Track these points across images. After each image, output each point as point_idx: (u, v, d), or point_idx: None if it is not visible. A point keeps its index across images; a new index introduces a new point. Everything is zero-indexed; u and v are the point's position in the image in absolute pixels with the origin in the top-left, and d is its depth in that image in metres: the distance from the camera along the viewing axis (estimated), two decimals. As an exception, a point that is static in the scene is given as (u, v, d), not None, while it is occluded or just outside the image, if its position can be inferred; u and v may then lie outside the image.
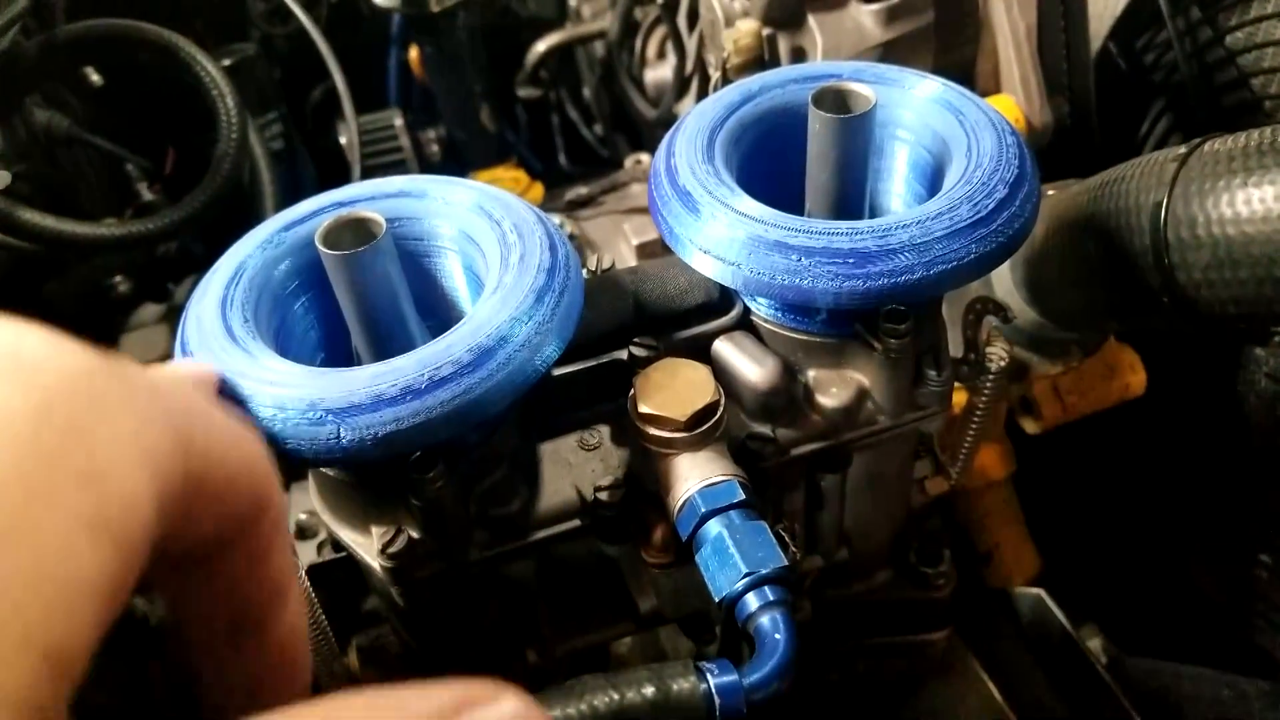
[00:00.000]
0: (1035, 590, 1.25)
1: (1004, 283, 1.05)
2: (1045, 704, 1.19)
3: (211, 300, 0.68)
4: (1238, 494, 1.33)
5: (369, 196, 0.76)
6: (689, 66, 1.52)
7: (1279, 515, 1.30)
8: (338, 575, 0.84)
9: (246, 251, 0.72)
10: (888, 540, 0.97)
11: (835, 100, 0.75)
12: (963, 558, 1.05)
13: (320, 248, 0.67)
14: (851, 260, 0.67)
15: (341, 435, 0.60)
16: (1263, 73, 1.30)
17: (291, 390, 0.61)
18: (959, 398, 1.02)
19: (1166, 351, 1.27)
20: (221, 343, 0.65)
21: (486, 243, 0.72)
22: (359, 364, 0.69)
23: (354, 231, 0.69)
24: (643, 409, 0.70)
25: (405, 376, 0.61)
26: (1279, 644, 1.27)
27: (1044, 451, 1.32)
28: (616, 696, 0.56)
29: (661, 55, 1.73)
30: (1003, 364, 0.96)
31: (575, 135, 2.09)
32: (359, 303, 0.69)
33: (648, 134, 1.74)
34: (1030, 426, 1.22)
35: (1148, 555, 1.46)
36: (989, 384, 0.98)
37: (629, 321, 0.79)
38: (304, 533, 0.91)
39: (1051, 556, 1.39)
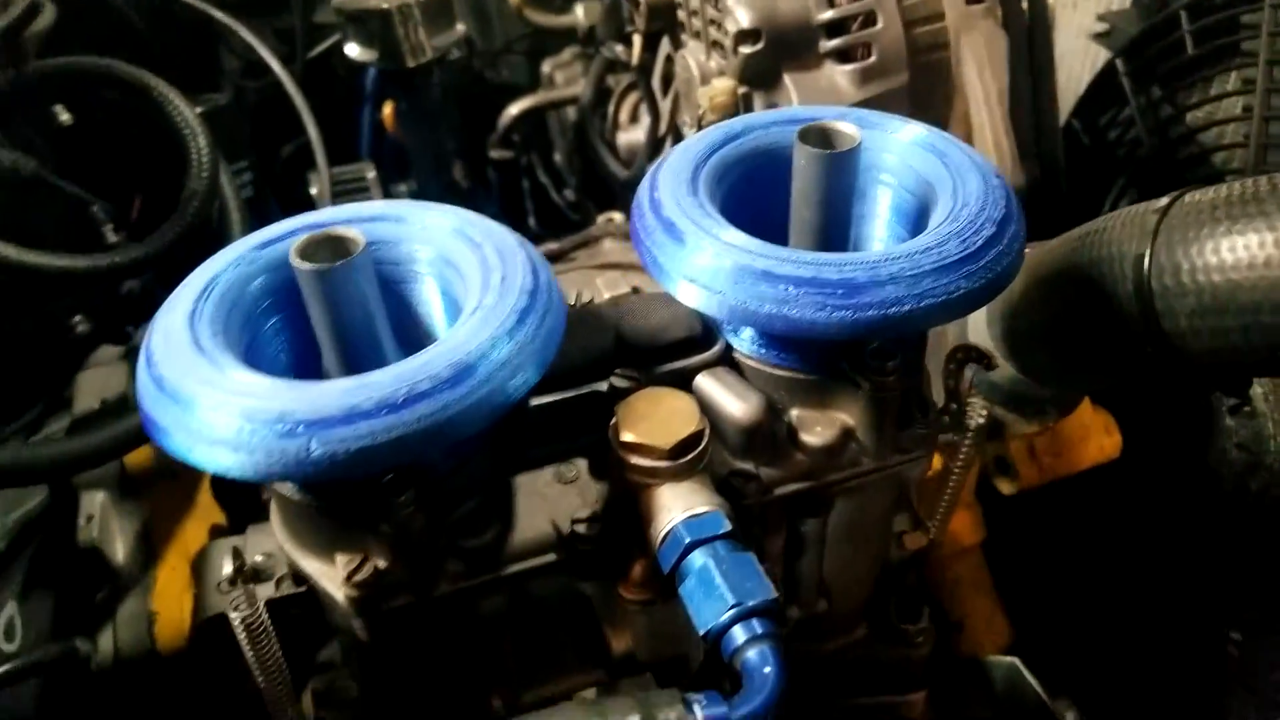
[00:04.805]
0: (1009, 659, 1.23)
1: (981, 338, 1.04)
2: (1018, 775, 1.16)
3: (180, 313, 0.66)
4: (1210, 565, 1.33)
5: (347, 219, 0.74)
6: (663, 128, 1.53)
7: (1249, 589, 1.30)
8: (296, 612, 0.80)
9: (218, 268, 0.70)
10: (866, 594, 0.94)
11: (820, 138, 0.75)
12: (934, 621, 1.03)
13: (295, 262, 0.65)
14: (840, 291, 0.66)
15: (312, 449, 0.57)
16: (1223, 148, 1.33)
17: (260, 401, 0.59)
18: (935, 460, 1.01)
19: (1140, 417, 1.27)
20: (188, 353, 0.62)
21: (466, 266, 0.70)
22: (331, 385, 0.66)
23: (331, 249, 0.67)
24: (625, 437, 0.69)
25: (382, 390, 0.58)
26: (1250, 720, 1.26)
27: (1014, 519, 1.31)
28: (599, 725, 0.53)
29: (634, 119, 1.75)
30: (982, 418, 0.95)
31: (545, 199, 2.10)
32: (333, 321, 0.67)
33: (620, 195, 1.75)
34: (1005, 487, 1.21)
35: (1118, 629, 1.44)
36: (967, 439, 0.97)
37: (609, 354, 0.77)
38: (259, 575, 0.87)
39: (1022, 626, 1.37)
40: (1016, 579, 1.37)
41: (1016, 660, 1.21)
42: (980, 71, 1.23)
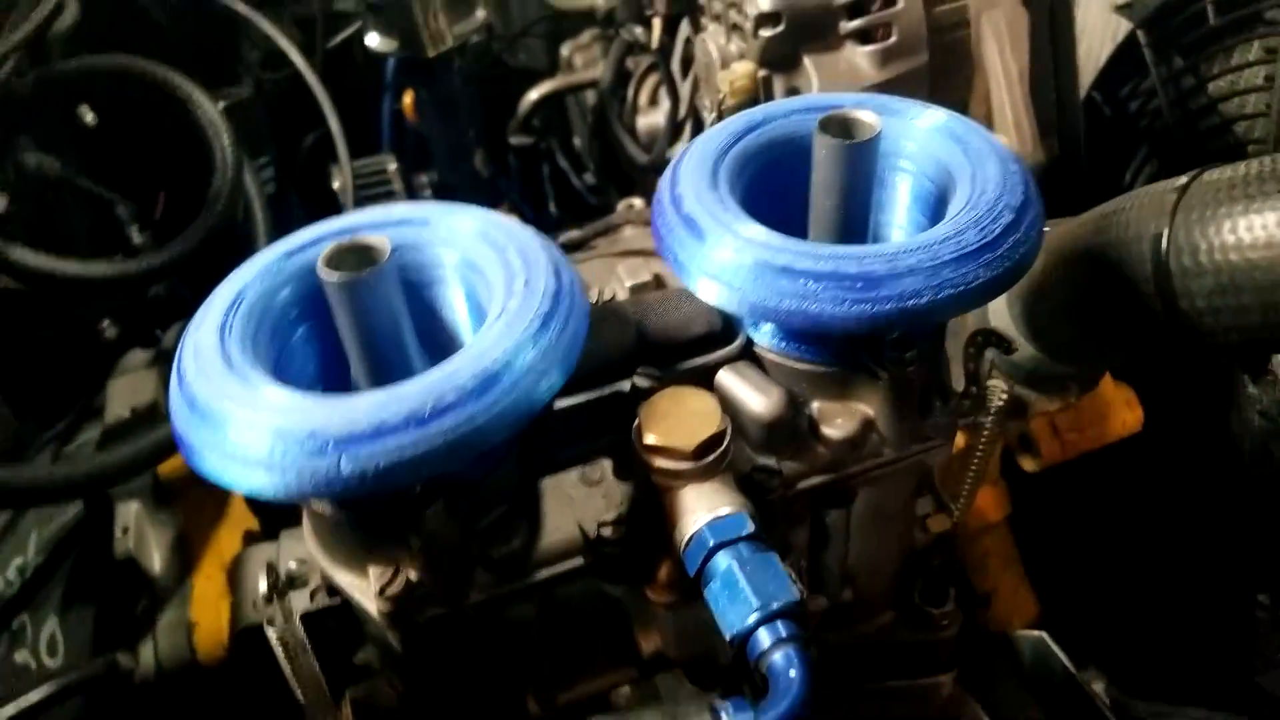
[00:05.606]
0: (1037, 632, 1.23)
1: (1001, 318, 1.04)
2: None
3: (210, 327, 0.66)
4: (1235, 533, 1.32)
5: (371, 224, 0.74)
6: (682, 111, 1.53)
7: (1274, 556, 1.30)
8: (331, 624, 0.80)
9: (246, 279, 0.71)
10: (891, 580, 0.95)
11: (841, 127, 0.75)
12: (961, 601, 1.03)
13: (323, 273, 0.65)
14: (860, 284, 0.66)
15: (342, 467, 0.58)
16: (1245, 118, 1.32)
17: (290, 418, 0.59)
18: (958, 439, 1.01)
19: (1162, 389, 1.26)
20: (218, 370, 0.63)
21: (491, 269, 0.70)
22: (359, 394, 0.67)
23: (357, 257, 0.67)
24: (648, 439, 0.69)
25: (409, 404, 0.59)
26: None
27: (1040, 493, 1.31)
28: (629, 732, 0.54)
29: (653, 102, 1.75)
30: (1003, 399, 0.95)
31: (565, 184, 2.10)
32: (361, 330, 0.68)
33: (639, 180, 1.75)
34: (1029, 464, 1.21)
35: (1146, 596, 1.44)
36: (990, 420, 0.97)
37: (631, 352, 0.77)
38: (294, 582, 0.88)
39: (1049, 600, 1.37)
40: (1043, 553, 1.38)
41: (1044, 634, 1.21)
42: (1001, 50, 1.22)
